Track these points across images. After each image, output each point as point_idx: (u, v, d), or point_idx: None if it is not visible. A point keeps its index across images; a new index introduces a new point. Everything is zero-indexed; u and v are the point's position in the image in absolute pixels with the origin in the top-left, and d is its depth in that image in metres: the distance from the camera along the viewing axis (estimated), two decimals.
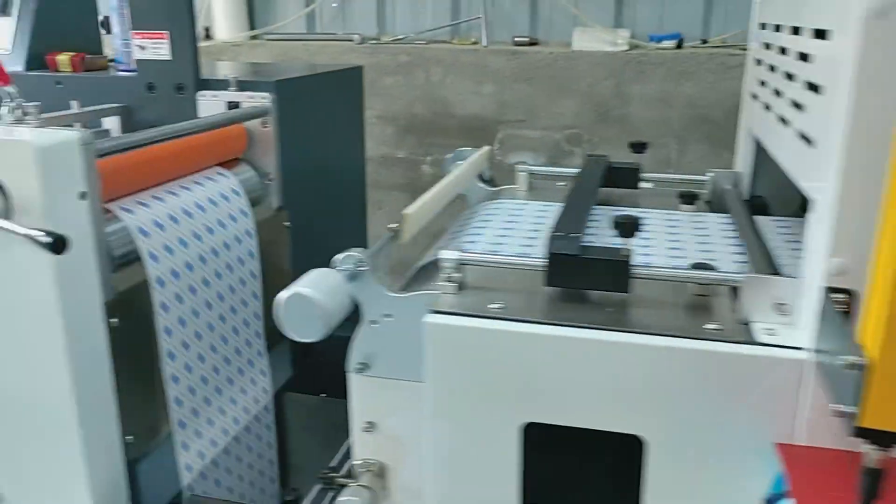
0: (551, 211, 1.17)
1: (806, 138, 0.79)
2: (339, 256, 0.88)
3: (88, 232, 0.98)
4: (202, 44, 2.17)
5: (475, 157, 1.41)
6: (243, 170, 1.47)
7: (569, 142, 2.56)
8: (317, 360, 1.63)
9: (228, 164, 1.45)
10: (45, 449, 1.03)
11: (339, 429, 1.58)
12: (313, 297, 0.82)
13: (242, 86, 1.48)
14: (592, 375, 0.78)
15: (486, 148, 1.47)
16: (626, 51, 2.46)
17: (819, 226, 0.72)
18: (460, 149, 1.45)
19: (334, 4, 2.80)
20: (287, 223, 1.56)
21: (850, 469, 0.61)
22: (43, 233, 0.86)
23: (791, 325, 0.77)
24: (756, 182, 1.29)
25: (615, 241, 0.85)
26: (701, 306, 0.84)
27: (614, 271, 0.81)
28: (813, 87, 0.78)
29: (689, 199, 1.21)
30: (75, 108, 1.45)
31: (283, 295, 0.83)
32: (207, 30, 2.84)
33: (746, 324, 0.78)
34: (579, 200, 1.05)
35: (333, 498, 0.96)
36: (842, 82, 0.66)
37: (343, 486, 0.95)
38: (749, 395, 0.74)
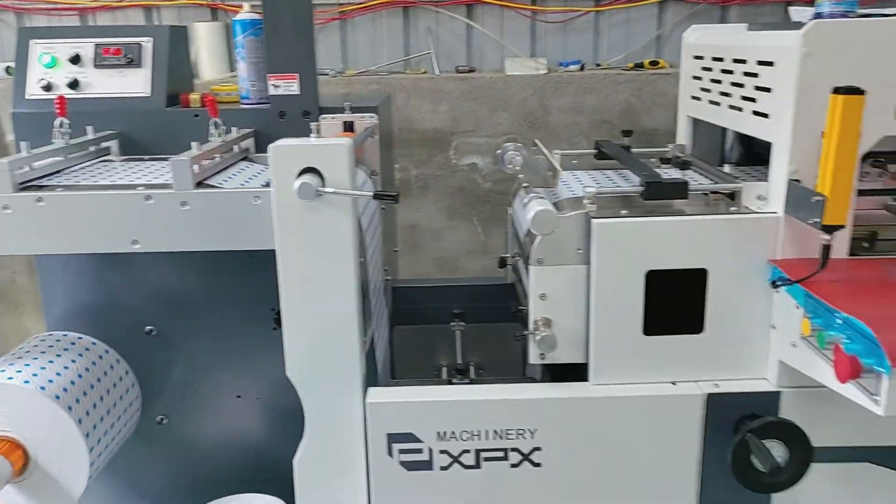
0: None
1: (761, 114, 1.60)
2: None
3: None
4: None
5: None
6: (362, 167, 2.09)
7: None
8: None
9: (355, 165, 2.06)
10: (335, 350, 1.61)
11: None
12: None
13: (354, 109, 2.09)
14: None
15: None
16: (546, 74, 3.29)
17: (779, 157, 1.52)
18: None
19: None
20: (383, 207, 2.19)
21: (806, 263, 1.42)
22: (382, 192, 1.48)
23: (766, 203, 1.57)
24: (694, 147, 2.13)
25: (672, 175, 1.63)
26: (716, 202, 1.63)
27: (680, 189, 1.58)
28: (763, 89, 1.59)
29: (666, 161, 2.02)
30: (234, 133, 2.00)
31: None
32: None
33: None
34: (635, 160, 1.82)
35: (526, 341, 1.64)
36: (789, 87, 1.47)
37: (532, 332, 1.63)
38: (756, 235, 1.53)
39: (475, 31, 3.44)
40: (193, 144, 1.69)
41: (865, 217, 1.66)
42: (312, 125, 1.59)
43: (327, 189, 1.48)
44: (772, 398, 1.57)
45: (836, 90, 1.33)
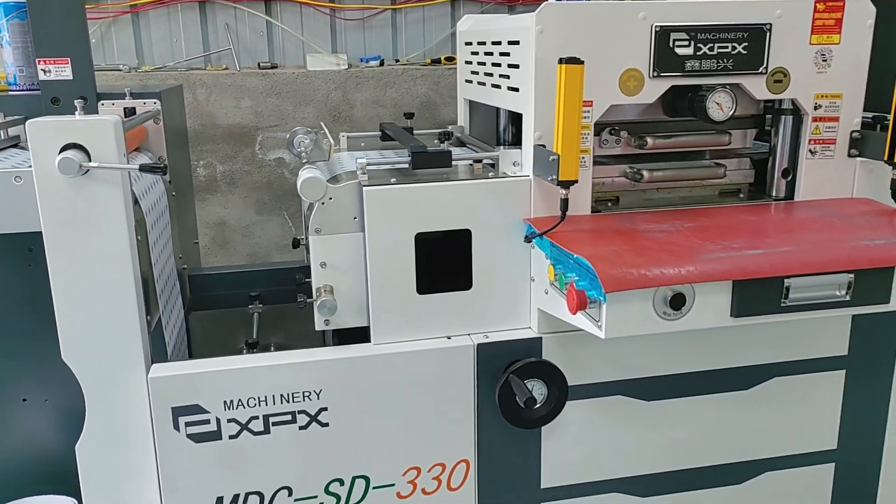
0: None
1: (514, 89, 1.78)
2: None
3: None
4: None
5: None
6: (147, 153, 2.07)
7: None
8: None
9: (137, 150, 2.04)
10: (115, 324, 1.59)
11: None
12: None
13: (135, 95, 2.07)
14: None
15: None
16: (347, 69, 3.39)
17: (527, 125, 1.70)
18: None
19: (93, 40, 3.25)
20: (174, 193, 2.18)
21: (553, 219, 1.60)
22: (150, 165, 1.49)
23: (520, 168, 1.74)
24: (471, 129, 2.30)
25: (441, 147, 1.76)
26: (479, 171, 1.78)
27: (444, 158, 1.72)
28: (514, 66, 1.77)
29: (447, 139, 2.16)
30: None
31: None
32: None
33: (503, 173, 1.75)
34: (408, 137, 1.94)
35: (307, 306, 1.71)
36: (530, 61, 1.64)
37: (314, 299, 1.70)
38: (512, 196, 1.70)
39: (276, 28, 3.47)
40: None
41: (610, 184, 1.88)
42: (77, 103, 1.57)
43: (91, 164, 1.47)
44: (535, 344, 1.74)
45: (560, 60, 1.51)
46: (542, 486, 1.84)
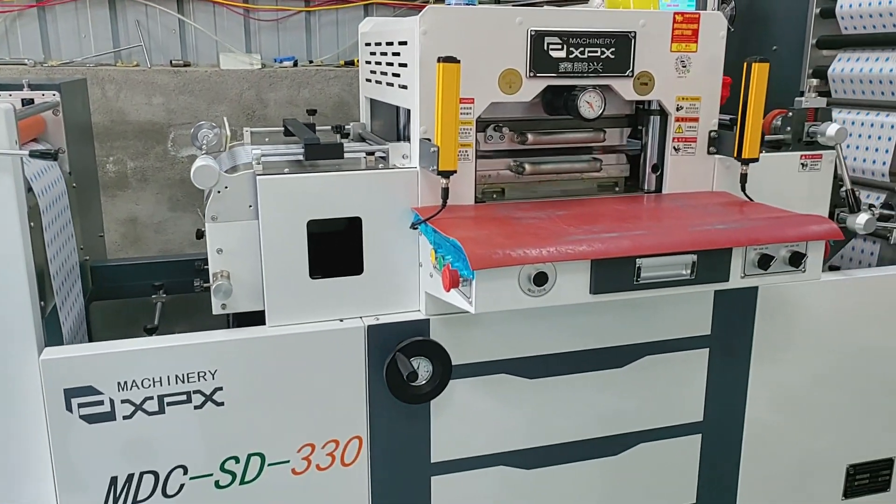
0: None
1: (403, 86, 1.89)
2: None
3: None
4: None
5: None
6: (45, 145, 2.10)
7: None
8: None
9: (35, 140, 2.07)
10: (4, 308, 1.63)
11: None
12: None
13: (33, 87, 2.09)
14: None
15: None
16: (260, 69, 3.45)
17: (414, 120, 1.82)
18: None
19: None
20: (74, 185, 2.21)
21: (436, 208, 1.72)
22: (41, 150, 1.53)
23: (408, 161, 1.86)
24: (372, 126, 2.41)
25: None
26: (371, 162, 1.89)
27: (336, 150, 1.82)
28: (403, 65, 1.88)
29: (341, 133, 2.26)
30: None
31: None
32: None
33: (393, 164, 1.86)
34: (306, 131, 2.03)
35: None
36: (416, 60, 1.76)
37: (211, 284, 1.77)
38: (400, 187, 1.81)
39: (188, 27, 3.50)
40: None
41: (496, 177, 2.01)
42: None
43: None
44: (423, 325, 1.85)
45: (439, 59, 1.63)
46: (432, 461, 1.95)
